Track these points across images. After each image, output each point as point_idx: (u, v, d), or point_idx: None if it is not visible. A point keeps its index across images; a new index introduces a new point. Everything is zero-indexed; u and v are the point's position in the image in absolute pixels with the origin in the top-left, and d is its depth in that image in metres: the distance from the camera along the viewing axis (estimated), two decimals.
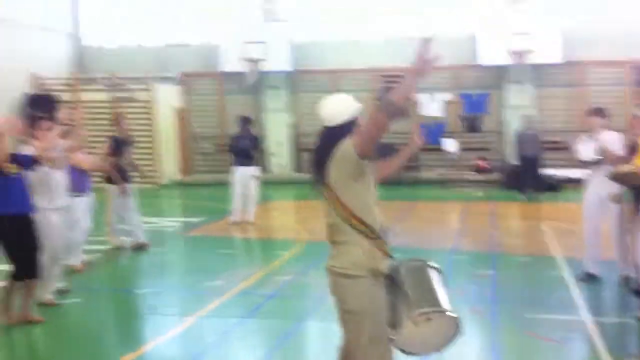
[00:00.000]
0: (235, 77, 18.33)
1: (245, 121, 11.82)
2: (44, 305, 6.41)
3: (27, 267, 5.86)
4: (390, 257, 3.57)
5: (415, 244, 9.65)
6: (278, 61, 17.88)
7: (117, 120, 9.80)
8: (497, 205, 13.52)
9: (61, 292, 6.80)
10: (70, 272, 7.55)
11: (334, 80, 18.33)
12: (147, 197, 15.82)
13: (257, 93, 18.97)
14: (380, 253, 3.51)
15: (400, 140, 18.17)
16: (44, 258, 6.24)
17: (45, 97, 17.96)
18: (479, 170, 17.47)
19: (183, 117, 19.12)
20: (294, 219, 12.20)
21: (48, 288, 6.54)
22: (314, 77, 18.69)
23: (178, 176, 18.67)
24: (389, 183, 15.70)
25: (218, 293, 7.05)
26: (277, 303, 6.79)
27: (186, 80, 19.38)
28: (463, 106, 18.11)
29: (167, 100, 18.53)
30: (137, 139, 18.00)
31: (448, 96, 18.06)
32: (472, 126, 18.08)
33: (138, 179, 9.94)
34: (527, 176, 14.02)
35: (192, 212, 13.92)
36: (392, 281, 3.48)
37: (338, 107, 3.63)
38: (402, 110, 3.26)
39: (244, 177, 11.33)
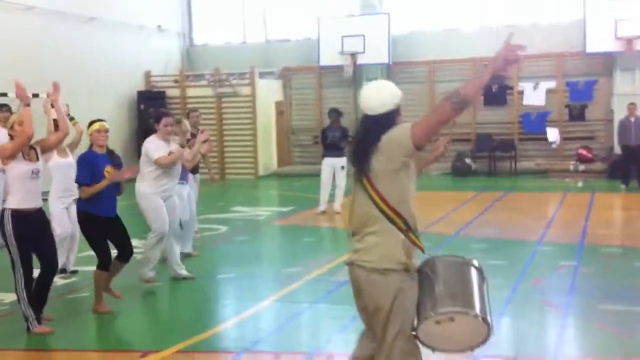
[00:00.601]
0: (333, 70, 18.61)
1: (336, 113, 12.08)
2: (145, 282, 6.97)
3: (120, 254, 6.35)
4: (423, 251, 3.46)
5: (500, 235, 9.53)
6: (376, 54, 17.96)
7: (187, 115, 10.11)
8: (596, 196, 13.01)
9: (185, 279, 7.27)
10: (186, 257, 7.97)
11: (432, 71, 18.22)
12: (242, 187, 16.50)
13: (355, 86, 19.14)
14: (414, 247, 3.39)
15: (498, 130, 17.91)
16: (150, 240, 6.86)
17: (155, 94, 19.05)
18: (582, 160, 16.80)
19: (282, 110, 19.63)
20: None
21: (149, 266, 7.05)
22: (412, 69, 18.65)
23: (275, 167, 19.21)
24: (486, 173, 15.55)
25: (294, 279, 7.30)
26: (348, 290, 6.93)
27: (286, 75, 19.87)
28: (568, 94, 17.48)
29: (268, 94, 19.09)
30: (239, 132, 18.81)
31: (552, 84, 17.50)
32: (577, 115, 17.40)
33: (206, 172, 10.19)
34: (630, 166, 13.38)
35: (283, 202, 14.37)
36: (425, 276, 3.37)
37: (382, 96, 3.48)
38: (468, 103, 3.19)
39: (332, 167, 11.61)
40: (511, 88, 17.53)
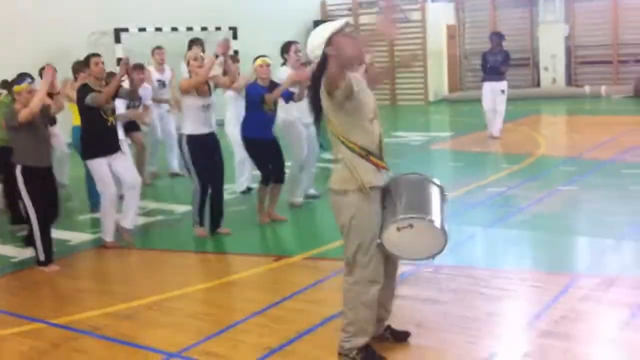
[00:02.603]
0: None
1: (497, 37, 12.02)
2: (293, 205, 7.69)
3: (276, 175, 7.10)
4: (387, 170, 3.69)
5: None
6: None
7: None
8: None
9: (314, 197, 7.97)
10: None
11: None
12: (409, 113, 16.87)
13: (531, 6, 18.41)
14: (374, 168, 3.61)
15: None
16: (294, 166, 7.53)
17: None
18: None
19: (453, 34, 19.43)
20: (542, 134, 12.14)
21: (296, 192, 7.79)
22: None
23: (446, 93, 19.22)
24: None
25: None
26: (474, 211, 7.27)
27: None
28: None
29: (439, 18, 18.98)
30: None
31: None
32: None
33: None
34: None
35: (445, 128, 14.59)
36: (389, 193, 3.63)
37: (314, 41, 3.65)
38: (353, 59, 3.49)
39: (492, 92, 11.64)
40: None
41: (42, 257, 5.91)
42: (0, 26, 12.53)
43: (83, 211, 7.99)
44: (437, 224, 3.57)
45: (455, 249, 6.10)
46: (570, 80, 18.22)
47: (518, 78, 17.66)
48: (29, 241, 6.13)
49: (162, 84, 9.74)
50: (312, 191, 8.04)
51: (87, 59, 6.51)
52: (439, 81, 19.14)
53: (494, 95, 11.67)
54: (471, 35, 19.65)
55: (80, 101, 6.33)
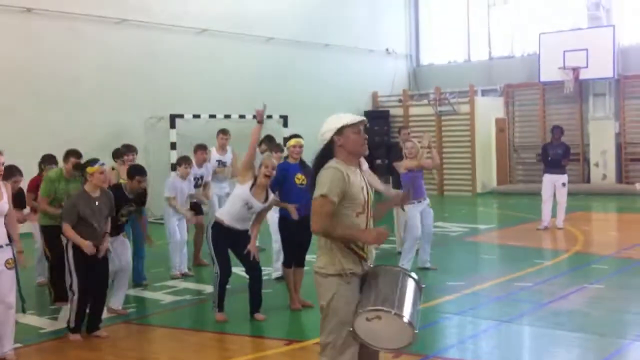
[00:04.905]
0: (557, 86, 18.21)
1: (559, 130, 12.26)
2: None
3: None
4: (366, 261, 3.83)
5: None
6: (600, 67, 17.28)
7: (398, 131, 11.00)
8: None
9: None
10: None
11: None
12: (454, 204, 16.90)
13: (581, 102, 18.52)
14: (355, 257, 3.78)
15: None
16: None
17: (379, 113, 20.24)
18: None
19: (503, 127, 19.62)
20: (582, 231, 12.01)
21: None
22: None
23: (494, 185, 19.24)
24: None
25: (450, 291, 7.75)
26: (495, 305, 7.26)
27: (509, 92, 19.85)
28: None
29: (488, 111, 19.25)
30: (457, 149, 19.21)
31: None
32: None
33: None
34: None
35: (487, 220, 14.53)
36: (366, 281, 3.77)
37: (327, 125, 3.85)
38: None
39: (553, 184, 11.88)
40: None
41: (72, 324, 6.25)
42: (65, 104, 13.46)
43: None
44: (405, 318, 3.65)
45: (465, 342, 6.16)
46: (620, 177, 18.02)
47: (568, 173, 17.54)
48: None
49: (222, 164, 10.28)
50: None
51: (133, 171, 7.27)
52: (487, 173, 19.22)
53: (553, 188, 11.83)
54: (520, 129, 19.81)
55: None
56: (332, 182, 3.72)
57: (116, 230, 6.89)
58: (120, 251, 7.00)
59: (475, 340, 6.17)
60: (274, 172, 6.76)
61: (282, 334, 6.66)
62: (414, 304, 3.75)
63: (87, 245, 6.08)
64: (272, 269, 8.64)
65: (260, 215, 6.93)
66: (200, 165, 9.47)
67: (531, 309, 6.99)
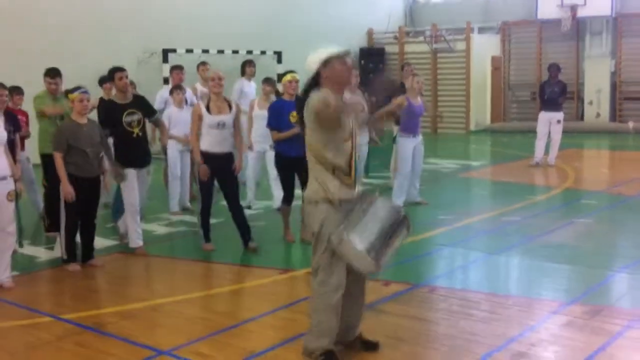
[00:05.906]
0: (553, 24, 18.04)
1: (556, 68, 12.23)
2: None
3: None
4: (354, 188, 3.96)
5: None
6: (598, 6, 17.09)
7: (401, 68, 10.92)
8: None
9: None
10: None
11: None
12: (448, 142, 16.96)
13: (577, 40, 18.37)
14: (342, 184, 3.90)
15: None
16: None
17: (374, 50, 20.07)
18: None
19: (498, 66, 19.51)
20: (573, 168, 12.10)
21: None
22: None
23: (488, 123, 19.25)
24: None
25: (441, 225, 7.86)
26: (484, 238, 7.39)
27: (505, 29, 19.64)
28: None
29: (484, 50, 19.09)
30: (451, 87, 19.15)
31: None
32: None
33: None
34: None
35: (479, 157, 14.62)
36: (360, 206, 3.88)
37: (313, 58, 4.01)
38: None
39: (549, 121, 11.94)
40: None
41: (65, 256, 6.32)
42: (56, 45, 13.29)
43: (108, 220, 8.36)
44: (359, 246, 3.74)
45: (454, 272, 6.30)
46: (614, 115, 18.05)
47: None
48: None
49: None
50: None
51: (112, 72, 6.76)
52: (481, 111, 19.20)
53: (548, 125, 11.90)
54: (516, 67, 19.69)
55: (99, 115, 6.79)
56: (326, 95, 3.87)
57: (142, 160, 6.81)
58: (139, 186, 6.81)
59: (465, 271, 6.31)
60: (222, 82, 6.69)
61: (277, 263, 6.78)
62: (382, 235, 3.81)
63: (68, 192, 6.11)
64: (272, 201, 8.54)
65: (236, 127, 6.90)
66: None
67: (520, 241, 7.11)
